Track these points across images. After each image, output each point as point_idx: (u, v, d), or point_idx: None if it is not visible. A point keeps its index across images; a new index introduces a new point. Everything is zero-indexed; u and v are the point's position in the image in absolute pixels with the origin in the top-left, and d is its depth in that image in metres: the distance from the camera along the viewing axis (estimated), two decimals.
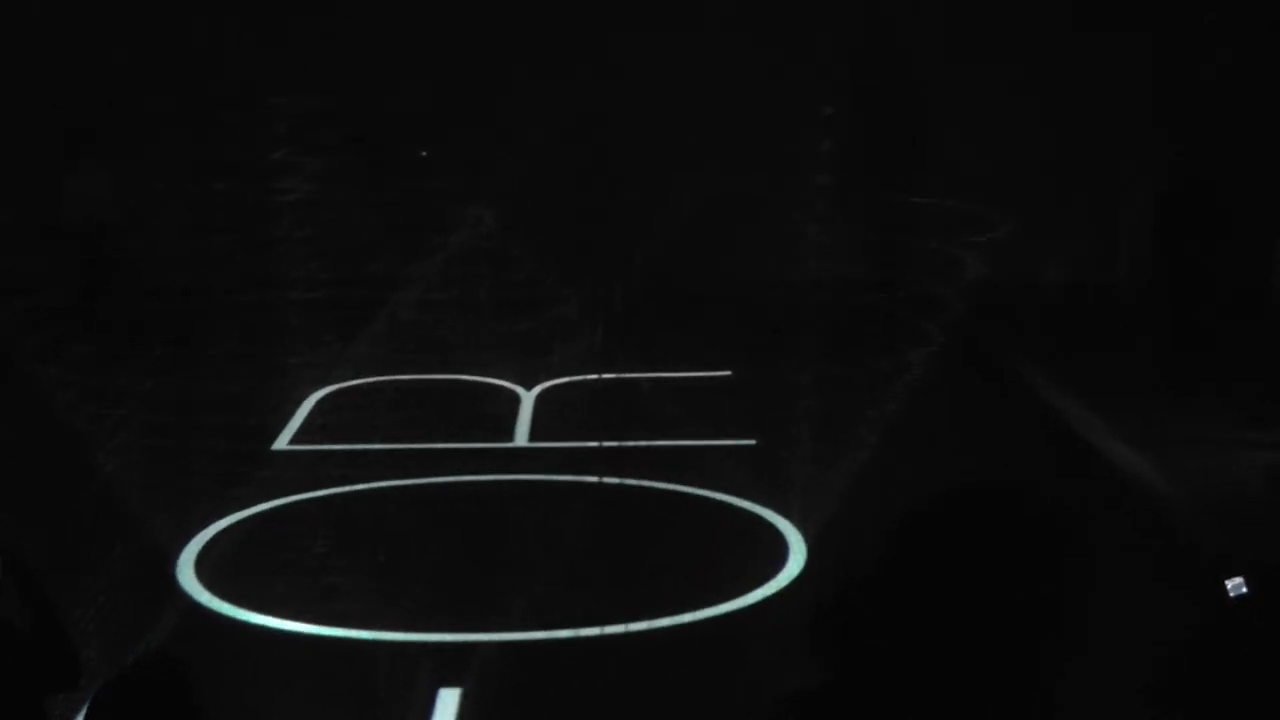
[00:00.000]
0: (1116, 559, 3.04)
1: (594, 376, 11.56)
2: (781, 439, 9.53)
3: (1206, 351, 10.40)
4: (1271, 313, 9.86)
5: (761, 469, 9.01)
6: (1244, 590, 3.08)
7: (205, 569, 7.45)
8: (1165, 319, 11.27)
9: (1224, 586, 3.08)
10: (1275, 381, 9.56)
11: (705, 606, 7.01)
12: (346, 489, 8.68)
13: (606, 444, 9.52)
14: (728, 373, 11.72)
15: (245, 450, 9.26)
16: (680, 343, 12.16)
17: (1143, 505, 8.03)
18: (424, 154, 10.23)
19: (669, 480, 8.83)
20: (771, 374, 11.10)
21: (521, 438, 9.91)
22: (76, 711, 3.83)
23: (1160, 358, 10.91)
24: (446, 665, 6.39)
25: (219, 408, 10.02)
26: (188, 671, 3.23)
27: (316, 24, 13.32)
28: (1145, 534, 7.43)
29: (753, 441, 9.64)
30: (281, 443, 9.68)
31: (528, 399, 10.94)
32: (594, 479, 8.87)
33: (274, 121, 12.06)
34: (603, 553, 7.75)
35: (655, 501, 8.60)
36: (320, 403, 10.74)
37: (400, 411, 10.42)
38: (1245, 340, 10.37)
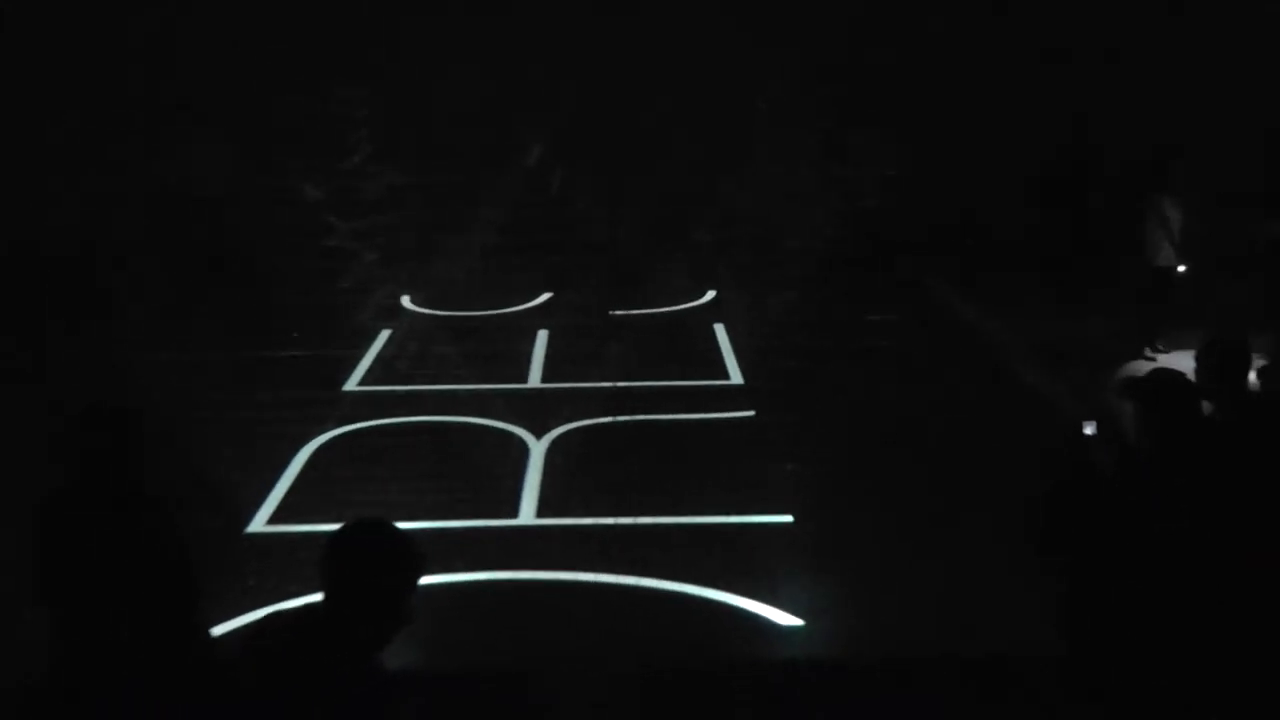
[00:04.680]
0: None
1: (608, 419, 10.06)
2: (818, 512, 8.12)
3: (1077, 277, 12.93)
4: (1136, 250, 11.43)
5: (798, 559, 7.51)
6: (1094, 431, 4.53)
7: None
8: (1044, 251, 13.75)
9: (1080, 427, 4.54)
10: (1135, 305, 11.60)
11: None
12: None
13: (621, 522, 8.02)
14: (751, 412, 10.21)
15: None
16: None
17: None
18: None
19: (690, 579, 7.29)
20: (794, 401, 10.38)
21: (528, 512, 8.38)
22: None
23: (1040, 279, 13.47)
24: None
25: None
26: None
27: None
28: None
29: (789, 519, 8.11)
30: (258, 524, 8.18)
31: (537, 451, 9.42)
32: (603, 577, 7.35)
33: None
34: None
35: (672, 611, 7.07)
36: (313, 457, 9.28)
37: (380, 471, 8.92)
38: (1113, 274, 12.24)
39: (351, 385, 11.18)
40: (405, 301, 14.30)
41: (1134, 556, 4.29)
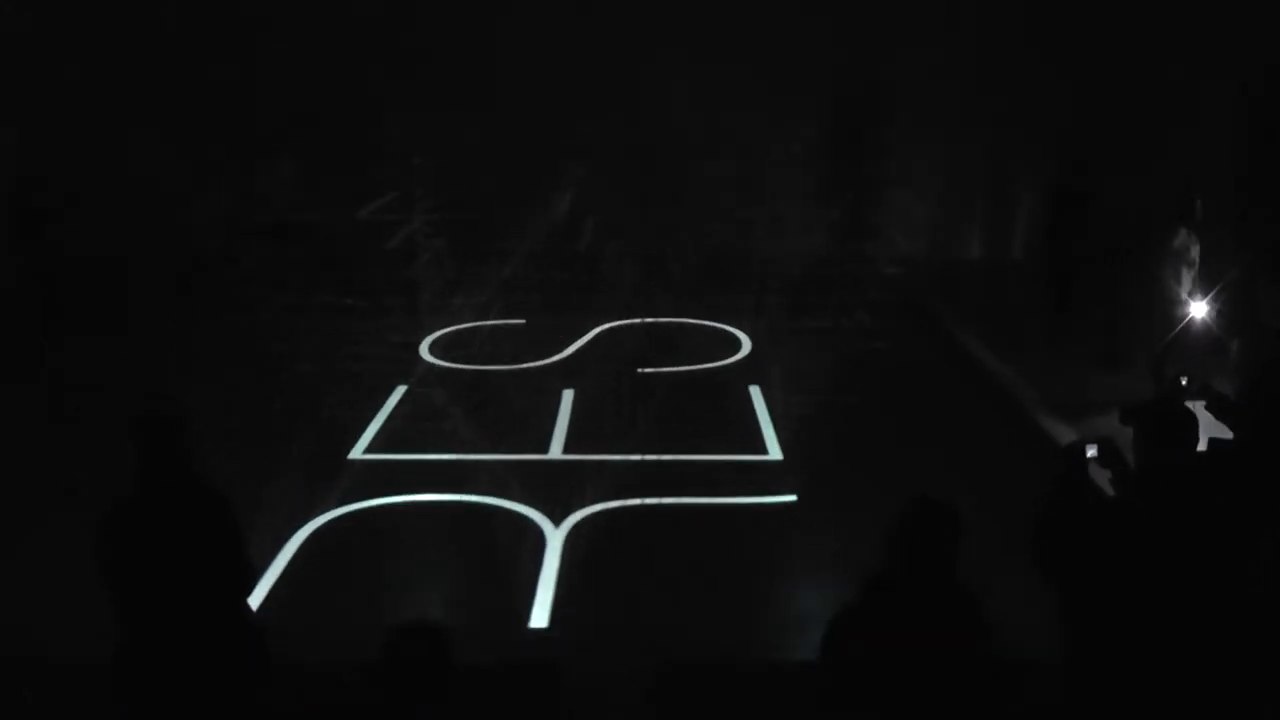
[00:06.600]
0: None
1: (636, 502, 8.89)
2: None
3: (1073, 311, 12.66)
4: (1123, 284, 11.60)
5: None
6: (1095, 454, 4.57)
7: None
8: (1046, 287, 13.26)
9: (1082, 450, 4.53)
10: (1120, 334, 11.61)
11: None
12: None
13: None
14: (793, 498, 9.01)
15: None
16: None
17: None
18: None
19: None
20: (841, 487, 9.15)
21: (542, 613, 7.19)
22: None
23: (1040, 315, 13.00)
24: None
25: None
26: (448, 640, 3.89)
27: None
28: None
29: None
30: None
31: (555, 539, 8.26)
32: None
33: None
34: None
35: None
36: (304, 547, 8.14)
37: (375, 567, 7.77)
38: (1101, 304, 12.05)
39: (357, 453, 10.06)
40: (423, 352, 13.19)
41: (1133, 577, 4.25)
